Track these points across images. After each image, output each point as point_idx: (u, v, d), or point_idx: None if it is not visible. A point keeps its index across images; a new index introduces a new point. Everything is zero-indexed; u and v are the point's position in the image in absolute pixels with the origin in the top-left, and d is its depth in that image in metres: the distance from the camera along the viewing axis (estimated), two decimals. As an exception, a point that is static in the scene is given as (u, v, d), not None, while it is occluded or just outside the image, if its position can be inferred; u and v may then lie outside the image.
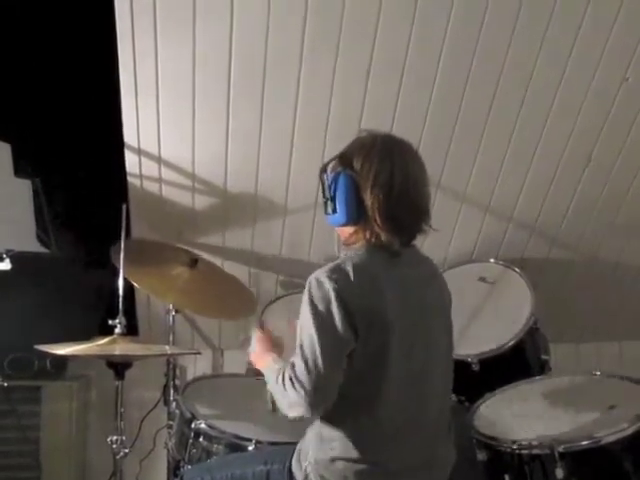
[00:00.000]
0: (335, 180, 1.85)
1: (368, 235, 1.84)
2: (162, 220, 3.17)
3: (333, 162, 1.89)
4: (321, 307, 1.73)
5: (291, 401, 1.75)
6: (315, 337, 1.72)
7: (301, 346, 1.75)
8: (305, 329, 1.75)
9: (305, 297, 1.77)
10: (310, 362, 1.72)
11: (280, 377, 1.78)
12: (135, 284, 2.74)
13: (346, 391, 1.78)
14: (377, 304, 1.77)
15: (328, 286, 1.73)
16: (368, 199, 1.80)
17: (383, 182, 1.80)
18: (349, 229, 1.87)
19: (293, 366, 1.75)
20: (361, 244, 1.86)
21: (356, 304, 1.74)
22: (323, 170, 1.89)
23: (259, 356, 2.01)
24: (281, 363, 1.85)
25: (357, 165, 1.83)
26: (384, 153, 1.83)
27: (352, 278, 1.75)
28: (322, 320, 1.73)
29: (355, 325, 1.74)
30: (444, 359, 1.94)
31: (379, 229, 1.81)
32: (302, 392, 1.71)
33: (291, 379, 1.74)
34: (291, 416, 1.80)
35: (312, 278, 1.77)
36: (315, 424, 1.86)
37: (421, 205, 1.87)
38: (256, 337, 2.06)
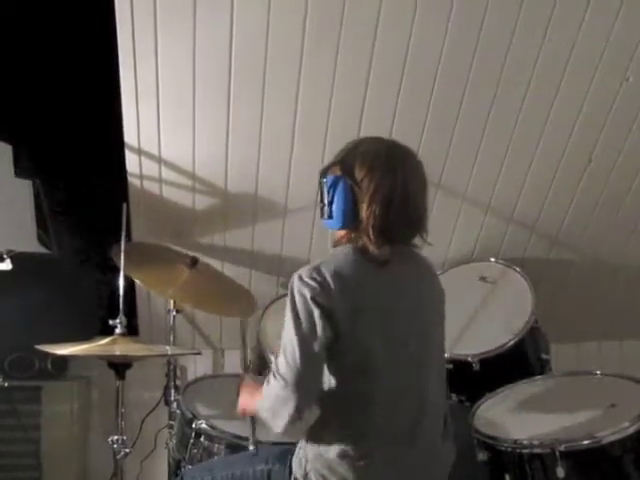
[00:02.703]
0: (334, 186, 1.85)
1: (359, 242, 1.84)
2: (162, 220, 3.17)
3: (334, 167, 1.88)
4: (299, 307, 1.76)
5: (276, 396, 1.76)
6: (294, 337, 1.75)
7: (284, 345, 1.78)
8: (286, 328, 1.78)
9: (288, 295, 1.80)
10: (290, 359, 1.75)
11: (265, 383, 1.81)
12: (136, 280, 2.75)
13: (342, 389, 1.80)
14: (360, 301, 1.78)
15: (306, 287, 1.76)
16: (364, 212, 1.81)
17: (382, 197, 1.80)
18: (341, 232, 1.90)
19: (276, 363, 1.78)
20: (349, 244, 1.87)
21: (334, 305, 1.75)
22: (323, 174, 1.89)
23: (248, 399, 2.01)
24: None
25: (358, 176, 1.82)
26: (387, 168, 1.82)
27: (330, 280, 1.76)
28: (299, 320, 1.75)
29: (335, 324, 1.75)
30: (438, 356, 1.96)
31: (369, 242, 1.82)
32: (282, 383, 1.74)
33: (274, 374, 1.77)
34: (281, 424, 1.77)
35: (295, 277, 1.80)
36: (314, 423, 1.86)
37: (417, 219, 1.87)
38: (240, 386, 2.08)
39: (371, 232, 1.80)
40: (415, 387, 1.86)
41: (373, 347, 1.79)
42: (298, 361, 1.73)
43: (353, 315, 1.77)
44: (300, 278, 1.78)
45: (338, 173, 1.86)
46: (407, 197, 1.82)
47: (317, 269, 1.78)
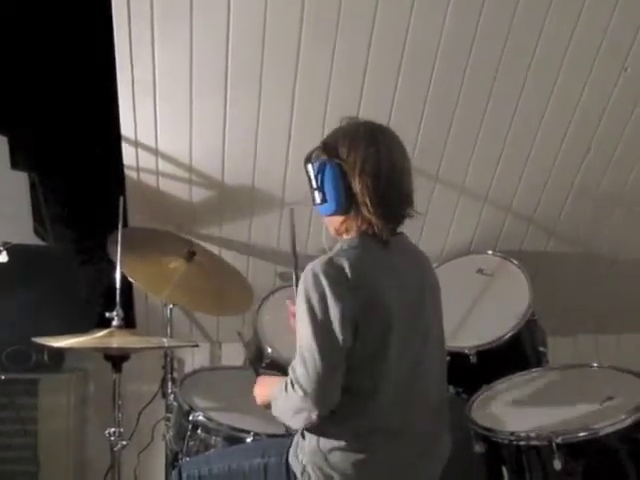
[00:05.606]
0: (322, 170, 1.84)
1: (359, 222, 1.84)
2: (159, 213, 3.16)
3: (317, 151, 1.88)
4: (317, 307, 1.72)
5: (294, 406, 1.76)
6: (312, 340, 1.72)
7: (300, 348, 1.75)
8: (303, 330, 1.74)
9: (301, 293, 1.76)
10: (309, 364, 1.71)
11: (284, 385, 1.79)
12: (131, 279, 2.72)
13: (346, 385, 1.78)
14: (374, 295, 1.77)
15: (324, 283, 1.73)
16: (357, 186, 1.80)
17: (370, 169, 1.80)
18: (339, 218, 1.87)
19: (294, 370, 1.75)
20: (353, 233, 1.86)
21: (353, 299, 1.73)
22: (307, 160, 1.89)
23: (261, 387, 2.02)
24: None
25: (343, 153, 1.82)
26: (369, 140, 1.83)
27: (348, 273, 1.74)
28: (319, 321, 1.72)
29: (354, 320, 1.74)
30: (438, 347, 1.95)
31: (370, 215, 1.80)
32: (301, 393, 1.72)
33: (292, 382, 1.74)
34: (298, 425, 1.81)
35: (308, 271, 1.76)
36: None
37: (405, 190, 1.87)
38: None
39: (369, 203, 1.79)
40: (417, 383, 1.85)
41: (384, 343, 1.77)
42: (319, 367, 1.70)
43: (369, 309, 1.75)
44: (315, 275, 1.74)
45: (323, 157, 1.85)
46: (393, 166, 1.82)
47: (331, 263, 1.76)
